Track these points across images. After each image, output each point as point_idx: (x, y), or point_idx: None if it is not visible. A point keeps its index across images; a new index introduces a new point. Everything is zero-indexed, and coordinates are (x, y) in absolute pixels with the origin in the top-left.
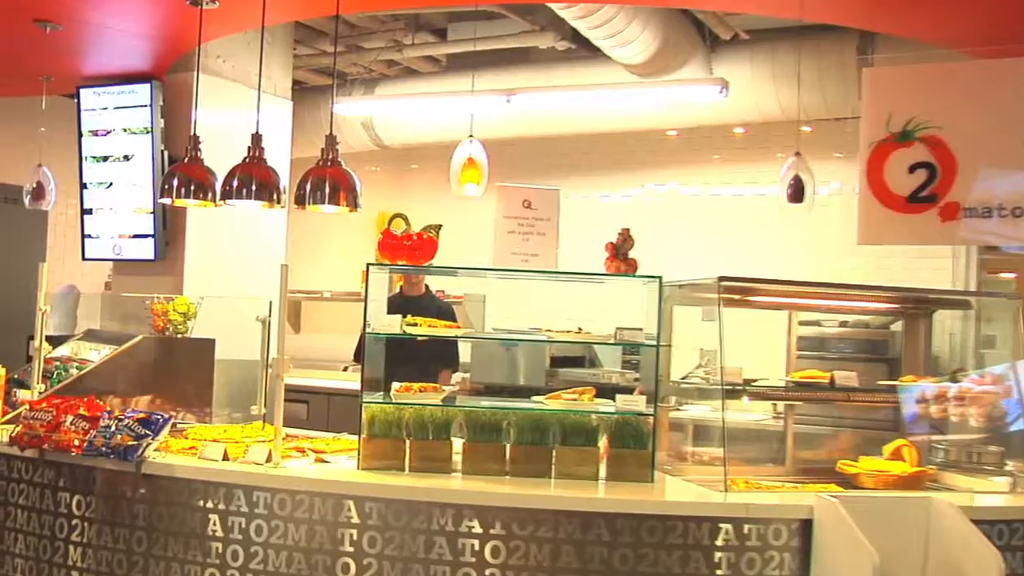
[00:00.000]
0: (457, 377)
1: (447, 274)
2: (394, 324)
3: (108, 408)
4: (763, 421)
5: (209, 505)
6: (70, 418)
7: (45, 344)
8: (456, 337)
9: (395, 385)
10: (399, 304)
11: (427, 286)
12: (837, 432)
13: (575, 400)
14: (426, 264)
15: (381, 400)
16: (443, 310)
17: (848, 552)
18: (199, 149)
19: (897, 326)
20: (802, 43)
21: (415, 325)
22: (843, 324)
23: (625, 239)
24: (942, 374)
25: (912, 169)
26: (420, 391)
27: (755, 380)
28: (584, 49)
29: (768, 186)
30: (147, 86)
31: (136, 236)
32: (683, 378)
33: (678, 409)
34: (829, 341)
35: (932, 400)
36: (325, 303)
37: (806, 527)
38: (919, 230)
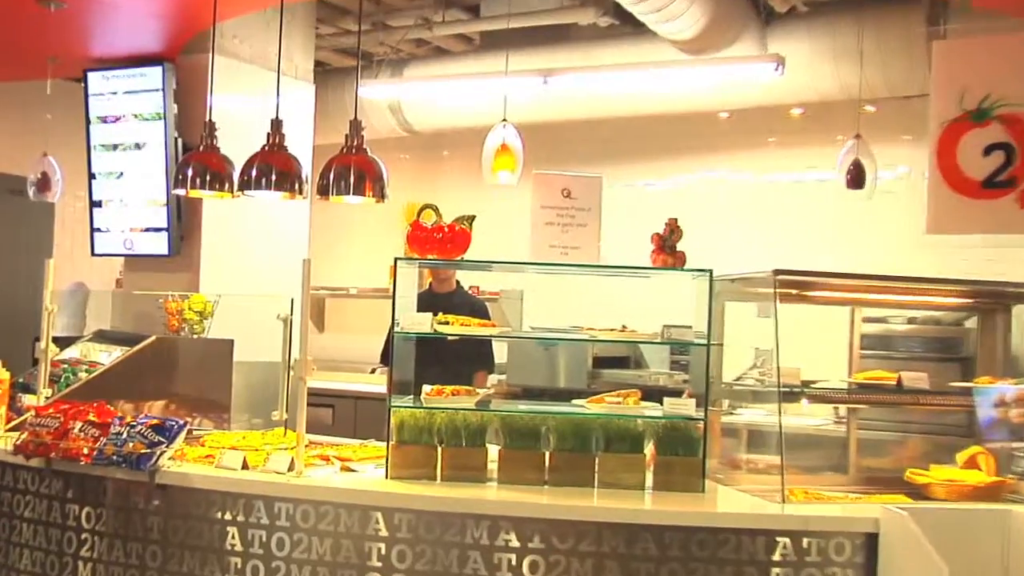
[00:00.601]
0: (492, 379)
1: (481, 269)
2: (424, 322)
3: (119, 414)
4: (824, 426)
5: (227, 517)
6: (79, 425)
7: (52, 346)
8: (491, 336)
9: (425, 388)
10: (429, 301)
11: (459, 282)
12: (905, 438)
13: (619, 403)
14: (458, 258)
15: (411, 404)
16: (476, 307)
17: (918, 569)
18: (215, 136)
19: (971, 323)
20: (864, 15)
21: (446, 323)
22: (911, 321)
23: (672, 230)
24: (1023, 375)
25: (988, 151)
26: (452, 394)
27: (815, 382)
28: (627, 25)
29: (827, 171)
30: (159, 69)
31: (148, 230)
32: (736, 380)
33: (731, 413)
34: (896, 339)
35: (1012, 403)
36: (350, 300)
37: (871, 541)
38: (995, 217)
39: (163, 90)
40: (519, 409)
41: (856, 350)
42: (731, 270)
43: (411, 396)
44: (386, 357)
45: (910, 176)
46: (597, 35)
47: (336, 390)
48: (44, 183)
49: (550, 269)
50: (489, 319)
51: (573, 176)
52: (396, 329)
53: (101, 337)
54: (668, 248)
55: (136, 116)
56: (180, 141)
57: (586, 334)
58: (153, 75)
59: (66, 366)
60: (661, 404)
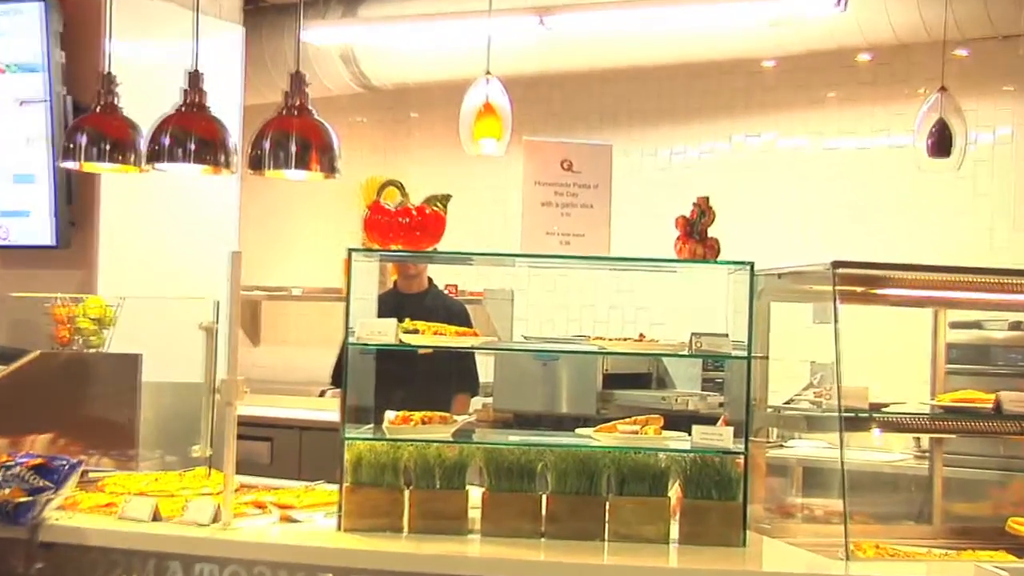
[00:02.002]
0: (475, 403)
1: (459, 263)
2: (387, 331)
3: None
4: (900, 462)
5: None
6: None
7: None
8: (472, 349)
9: (389, 415)
10: (394, 304)
11: (431, 280)
12: (1006, 478)
13: (636, 433)
14: (429, 249)
15: (370, 436)
16: (454, 312)
17: None
18: (115, 94)
19: None
20: None
21: (415, 332)
22: (1014, 327)
23: (703, 212)
24: None
25: None
26: (423, 422)
27: (887, 404)
28: None
29: (902, 135)
30: (38, 5)
31: (26, 214)
32: (786, 402)
33: (780, 445)
34: (993, 350)
35: None
36: (293, 304)
37: None
38: None
39: (44, 32)
40: (509, 441)
41: (941, 364)
42: (778, 262)
43: (371, 425)
44: (339, 376)
45: (1012, 140)
46: None
47: (275, 418)
48: None
49: (547, 263)
50: (470, 326)
51: (576, 144)
52: (351, 340)
53: None
54: (697, 235)
55: (8, 67)
56: (69, 99)
57: (594, 345)
58: (30, 12)
59: None
60: (689, 434)
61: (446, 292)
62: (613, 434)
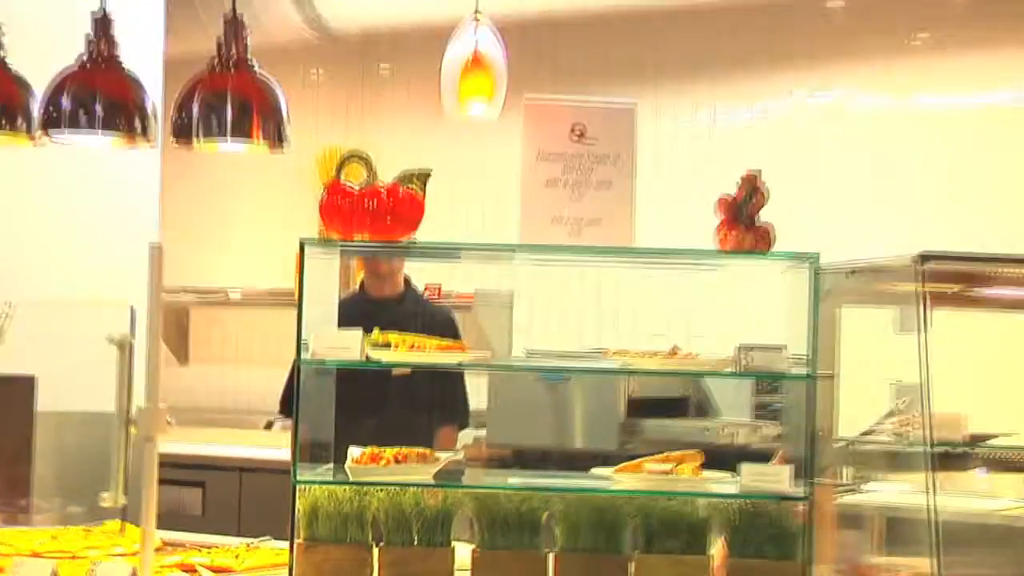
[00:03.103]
0: (465, 436)
1: (443, 257)
2: (351, 345)
3: None
4: (1008, 510)
5: None
6: None
7: None
8: (460, 367)
9: (354, 452)
10: (361, 311)
11: (408, 280)
12: None
13: (668, 474)
14: (405, 240)
15: (330, 478)
16: (437, 320)
17: None
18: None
19: None
20: None
21: (388, 347)
22: None
23: (753, 191)
24: None
25: None
26: (398, 461)
27: (991, 436)
28: None
29: (1014, 91)
30: None
31: None
32: (862, 434)
33: (853, 490)
34: None
35: None
36: (231, 311)
37: None
38: None
39: None
40: (507, 484)
41: None
42: (849, 255)
43: (330, 465)
44: (291, 404)
45: None
46: None
47: (209, 457)
48: None
49: (554, 257)
50: (458, 338)
51: (590, 105)
52: (305, 356)
53: None
54: (745, 220)
55: None
56: None
57: (615, 361)
58: None
59: None
60: (737, 474)
61: (426, 295)
62: (639, 475)
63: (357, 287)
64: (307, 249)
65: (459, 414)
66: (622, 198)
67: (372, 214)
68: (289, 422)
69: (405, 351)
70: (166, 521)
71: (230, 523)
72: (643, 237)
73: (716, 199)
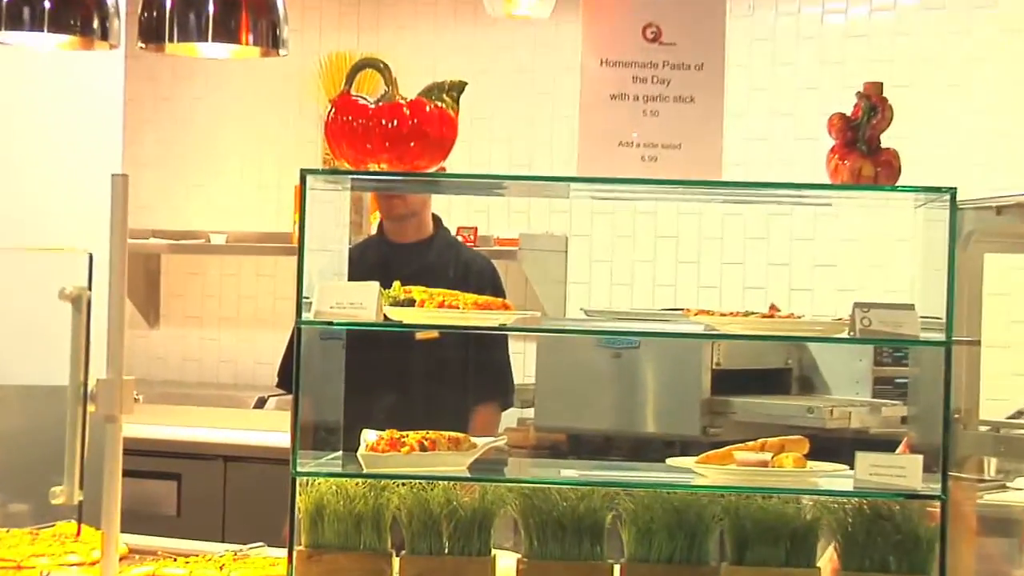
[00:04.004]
0: (508, 418)
1: (480, 191)
2: (365, 302)
3: None
4: None
5: None
6: None
7: None
8: (503, 330)
9: (369, 437)
10: (379, 260)
11: (438, 221)
12: None
13: (764, 466)
14: (433, 170)
15: (338, 470)
16: (473, 271)
17: None
18: None
19: None
20: None
21: (411, 304)
22: None
23: (873, 108)
24: None
25: None
26: (423, 448)
27: None
28: None
29: None
30: None
31: None
32: (1011, 416)
33: (1002, 485)
34: None
35: None
36: (213, 260)
37: None
38: None
39: None
40: (561, 477)
41: None
42: (996, 188)
43: (339, 453)
44: (290, 376)
45: None
46: None
47: (186, 443)
48: None
49: (620, 192)
50: (500, 294)
51: None
52: (306, 317)
53: None
54: (863, 144)
55: None
56: None
57: (697, 323)
58: None
59: None
60: (850, 467)
61: (460, 240)
62: (727, 467)
63: (373, 230)
64: (309, 181)
65: (500, 390)
66: (707, 117)
67: (391, 136)
68: (288, 399)
69: (433, 310)
70: (133, 522)
71: (212, 526)
72: (733, 167)
73: (827, 118)
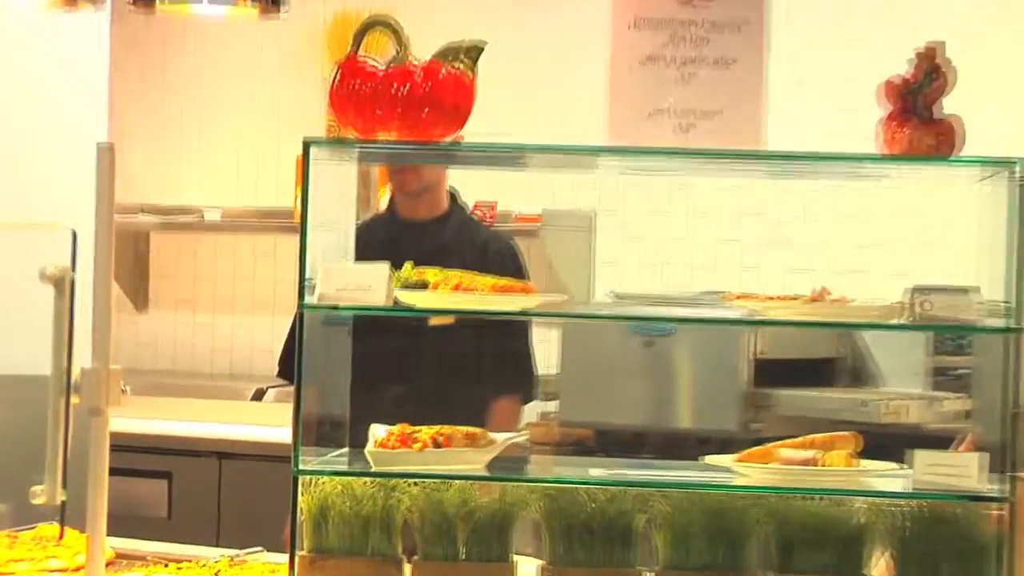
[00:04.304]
0: (530, 412)
1: (500, 164)
2: (375, 285)
3: None
4: None
5: None
6: None
7: None
8: (525, 315)
9: (378, 432)
10: (389, 238)
11: (454, 196)
12: None
13: (811, 464)
14: (449, 140)
15: (345, 468)
16: (492, 251)
17: None
18: None
19: None
20: None
21: (425, 287)
22: None
23: (931, 72)
24: None
25: None
26: (437, 444)
27: None
28: None
29: None
30: None
31: None
32: None
33: None
34: None
35: None
36: (207, 238)
37: None
38: None
39: None
40: (588, 477)
41: None
42: None
43: (345, 450)
44: (291, 365)
45: None
46: None
47: (177, 438)
48: None
49: (653, 164)
50: (522, 276)
51: None
52: (309, 300)
53: None
54: (921, 111)
55: None
56: None
57: (738, 308)
58: None
59: None
60: (907, 466)
61: (478, 217)
62: (770, 466)
63: (383, 206)
64: (313, 152)
65: (521, 381)
66: (749, 81)
67: (403, 103)
68: (289, 390)
69: (448, 293)
70: (120, 525)
71: (206, 528)
72: (777, 136)
73: (880, 83)
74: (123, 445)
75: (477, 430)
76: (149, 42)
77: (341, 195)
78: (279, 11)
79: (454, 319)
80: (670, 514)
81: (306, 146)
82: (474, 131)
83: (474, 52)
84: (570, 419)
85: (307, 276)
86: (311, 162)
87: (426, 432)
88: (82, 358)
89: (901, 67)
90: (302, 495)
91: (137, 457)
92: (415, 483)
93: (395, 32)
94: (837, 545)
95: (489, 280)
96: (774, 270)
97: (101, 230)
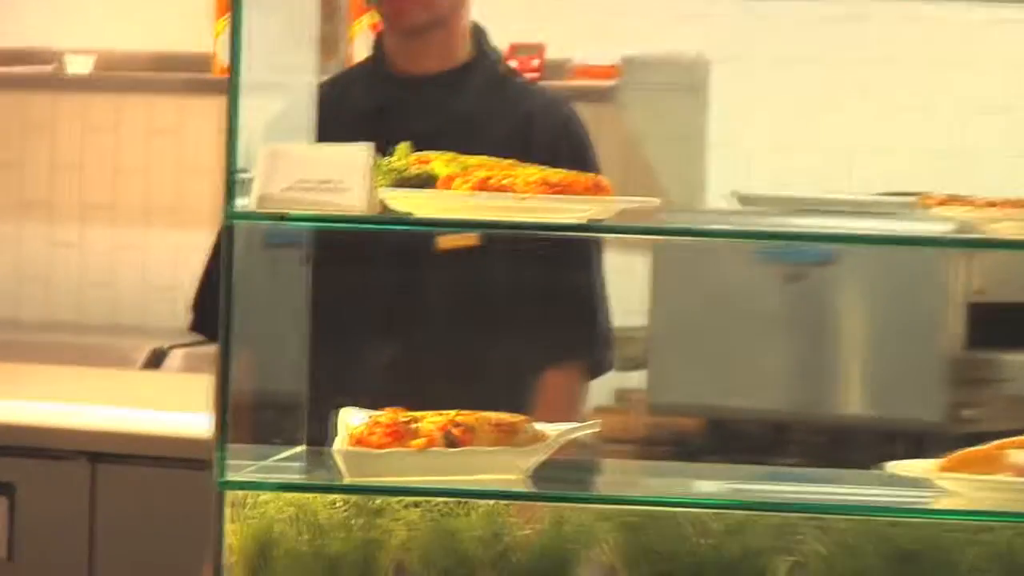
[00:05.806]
0: (600, 389)
1: None
2: (349, 179)
3: None
4: None
5: None
6: None
7: None
8: (592, 231)
9: (350, 420)
10: (373, 104)
11: (481, 35)
12: None
13: None
14: None
15: (299, 480)
16: (537, 125)
17: None
18: None
19: None
20: None
21: (431, 183)
22: None
23: None
24: None
25: None
26: (449, 437)
27: None
28: None
29: None
30: None
31: None
32: None
33: None
34: None
35: None
36: (74, 102)
37: None
38: None
39: None
40: (694, 496)
41: None
42: None
43: (300, 449)
44: (210, 312)
45: None
46: None
47: (23, 430)
48: None
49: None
50: (589, 168)
51: None
52: (240, 206)
53: None
54: None
55: None
56: None
57: (941, 221)
58: None
59: None
60: None
61: (516, 70)
62: (994, 478)
63: (361, 55)
64: None
65: (586, 340)
66: None
67: None
68: (207, 352)
69: (467, 193)
70: None
71: (69, 570)
72: None
73: None
74: None
75: (515, 418)
76: None
77: (293, 35)
78: None
79: (477, 238)
80: (832, 556)
81: None
82: None
83: None
84: (664, 401)
85: (237, 166)
86: None
87: (432, 421)
88: None
89: None
90: (231, 522)
91: None
92: (413, 504)
93: None
94: None
95: (535, 172)
96: (995, 156)
97: None
